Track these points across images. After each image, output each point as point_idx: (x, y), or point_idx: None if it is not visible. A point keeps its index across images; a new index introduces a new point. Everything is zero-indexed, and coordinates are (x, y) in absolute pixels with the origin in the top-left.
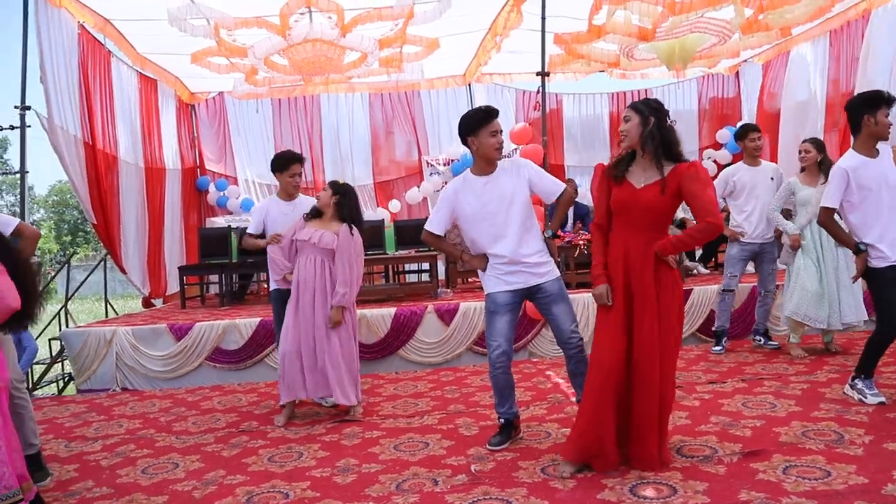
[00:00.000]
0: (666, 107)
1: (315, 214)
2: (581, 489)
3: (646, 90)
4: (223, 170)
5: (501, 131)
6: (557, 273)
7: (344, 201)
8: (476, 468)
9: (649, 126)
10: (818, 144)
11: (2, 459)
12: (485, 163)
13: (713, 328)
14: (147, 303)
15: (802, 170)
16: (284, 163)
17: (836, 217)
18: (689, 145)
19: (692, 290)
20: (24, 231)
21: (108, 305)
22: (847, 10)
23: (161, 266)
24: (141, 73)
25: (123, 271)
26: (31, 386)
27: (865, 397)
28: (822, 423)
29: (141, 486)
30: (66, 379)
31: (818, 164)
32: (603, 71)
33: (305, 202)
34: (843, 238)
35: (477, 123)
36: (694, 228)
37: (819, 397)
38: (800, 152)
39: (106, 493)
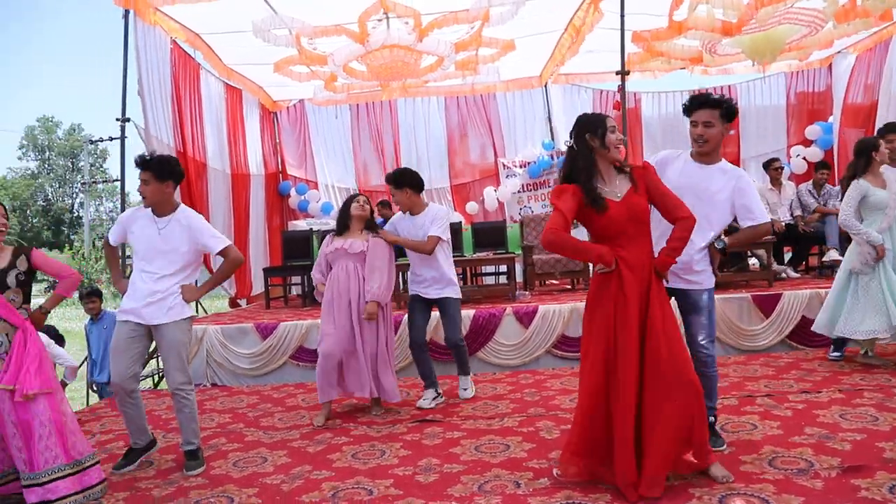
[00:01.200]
0: (749, 105)
1: (340, 231)
2: (667, 499)
3: (728, 86)
4: (304, 174)
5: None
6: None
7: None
8: (558, 472)
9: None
10: None
11: (74, 429)
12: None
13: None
14: (233, 303)
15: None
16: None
17: None
18: (776, 143)
19: (781, 294)
20: (229, 254)
21: (199, 305)
22: None
23: (246, 268)
24: (227, 83)
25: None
26: None
27: None
28: None
29: (232, 478)
30: (161, 374)
31: None
32: (683, 68)
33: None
34: None
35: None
36: (678, 230)
37: None
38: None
39: (201, 484)
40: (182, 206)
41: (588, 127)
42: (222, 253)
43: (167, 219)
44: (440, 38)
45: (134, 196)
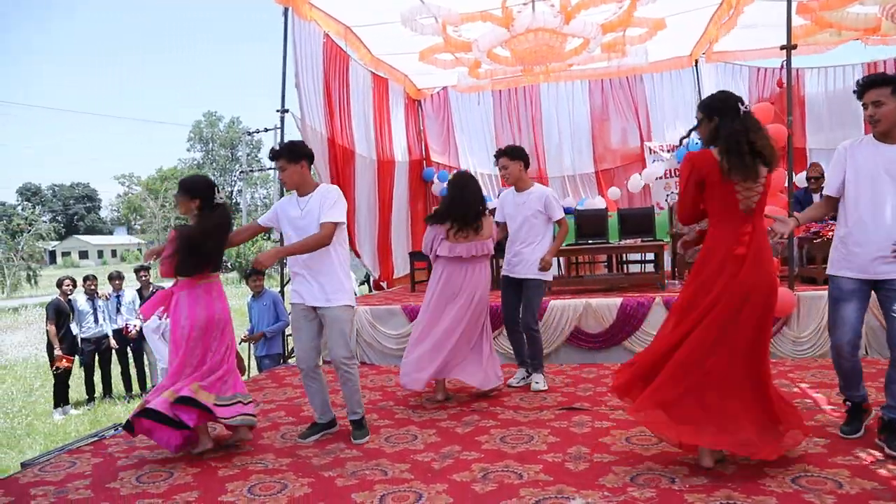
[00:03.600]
0: None
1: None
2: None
3: None
4: (447, 161)
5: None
6: None
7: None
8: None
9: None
10: None
11: (231, 369)
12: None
13: None
14: (377, 285)
15: None
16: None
17: None
18: None
19: None
20: (321, 229)
21: None
22: None
23: (389, 252)
24: (374, 73)
25: (358, 255)
26: (286, 355)
27: None
28: None
29: (385, 452)
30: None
31: None
32: (857, 39)
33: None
34: None
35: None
36: None
37: None
38: None
39: (356, 456)
40: (323, 184)
41: None
42: (321, 225)
43: (307, 198)
44: (587, 20)
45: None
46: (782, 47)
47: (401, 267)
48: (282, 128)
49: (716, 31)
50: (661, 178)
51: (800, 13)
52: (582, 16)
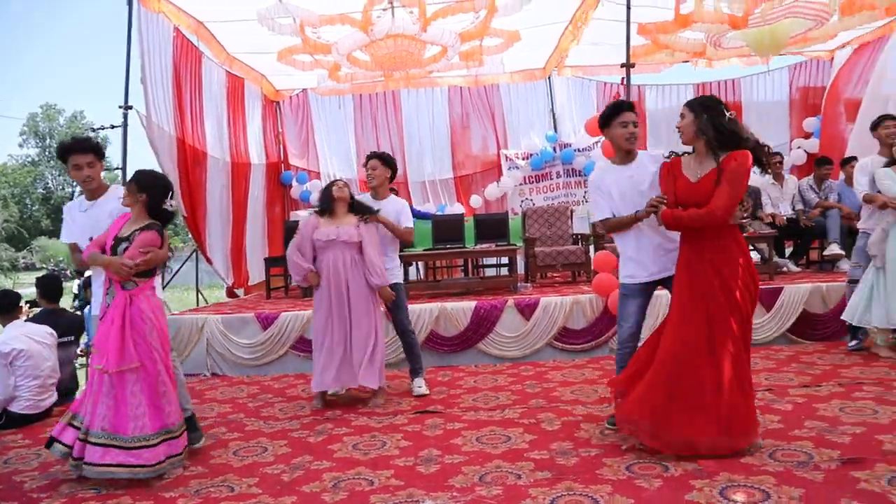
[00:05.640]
0: (752, 99)
1: (323, 212)
2: (668, 488)
3: (732, 80)
4: (306, 164)
5: (634, 122)
6: None
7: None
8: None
9: (702, 121)
10: None
11: (170, 400)
12: (621, 153)
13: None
14: (230, 293)
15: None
16: None
17: None
18: (779, 137)
19: (783, 288)
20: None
21: (200, 294)
22: None
23: (243, 257)
24: (229, 71)
25: (209, 262)
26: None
27: None
28: None
29: (233, 467)
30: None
31: None
32: (687, 61)
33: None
34: None
35: (608, 116)
36: (695, 211)
37: None
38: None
39: (201, 473)
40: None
41: None
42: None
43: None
44: (445, 28)
45: None
46: (622, 65)
47: (256, 273)
48: (125, 126)
49: (565, 46)
50: (517, 185)
51: (640, 34)
52: (440, 24)
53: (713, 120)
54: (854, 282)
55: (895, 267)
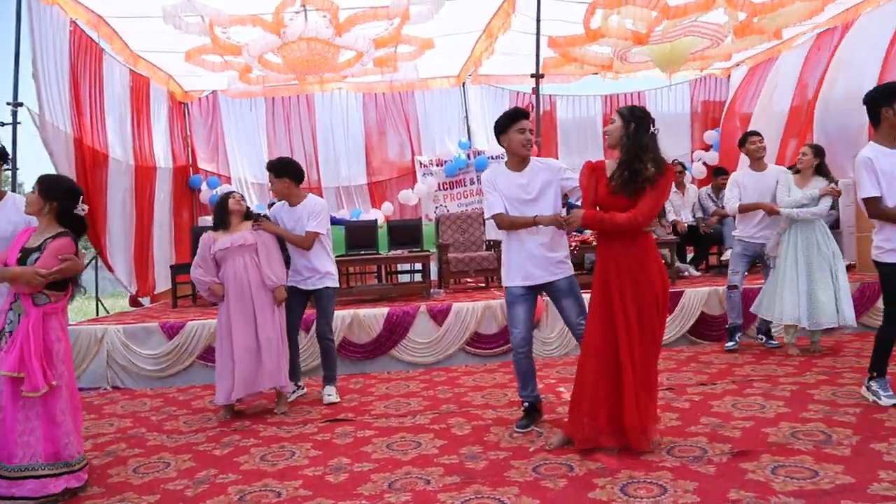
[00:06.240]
0: (656, 111)
1: (217, 227)
2: (572, 488)
3: (638, 92)
4: (216, 168)
5: (531, 129)
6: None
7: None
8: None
9: (629, 131)
10: (816, 150)
11: (69, 430)
12: (516, 158)
13: (726, 325)
14: (134, 301)
15: (797, 171)
16: None
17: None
18: (681, 148)
19: (683, 292)
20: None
21: (99, 303)
22: (834, 16)
23: (149, 265)
24: (133, 70)
25: (111, 269)
26: None
27: (880, 399)
28: (810, 423)
29: (132, 485)
30: None
31: (815, 168)
32: (596, 73)
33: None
34: None
35: (506, 122)
36: (619, 215)
37: (808, 399)
38: (800, 155)
39: (97, 493)
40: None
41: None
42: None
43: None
44: (359, 34)
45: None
46: (532, 75)
47: (163, 281)
48: (14, 124)
49: (478, 56)
50: (431, 191)
51: (550, 46)
52: (354, 29)
53: (637, 130)
54: (733, 287)
55: (785, 268)
